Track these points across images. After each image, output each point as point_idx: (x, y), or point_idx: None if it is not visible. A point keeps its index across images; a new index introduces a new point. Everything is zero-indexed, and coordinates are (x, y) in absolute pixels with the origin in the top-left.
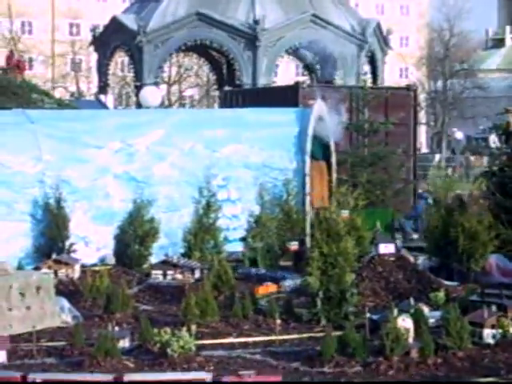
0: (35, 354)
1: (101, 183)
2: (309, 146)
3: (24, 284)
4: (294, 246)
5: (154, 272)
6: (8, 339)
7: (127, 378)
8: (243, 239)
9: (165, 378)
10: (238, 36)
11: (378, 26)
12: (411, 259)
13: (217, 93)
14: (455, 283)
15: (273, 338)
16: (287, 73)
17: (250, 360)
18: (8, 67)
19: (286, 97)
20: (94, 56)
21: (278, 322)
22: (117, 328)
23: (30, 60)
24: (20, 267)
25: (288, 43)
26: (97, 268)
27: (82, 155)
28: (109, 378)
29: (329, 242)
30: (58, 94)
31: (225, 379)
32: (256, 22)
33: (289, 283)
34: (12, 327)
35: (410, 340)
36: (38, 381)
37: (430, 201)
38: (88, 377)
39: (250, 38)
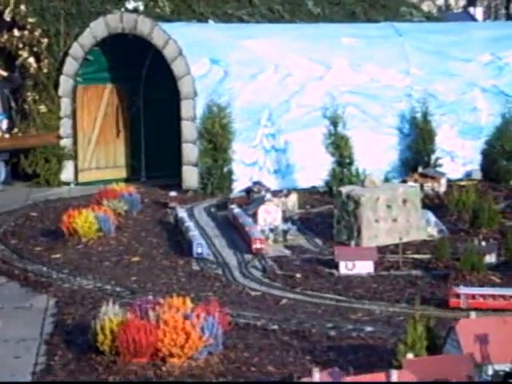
0: (401, 265)
1: (468, 97)
2: None
3: (391, 196)
4: None
5: None
6: (375, 250)
7: None
8: None
9: None
10: None
11: None
12: None
13: None
14: None
15: None
16: None
17: None
18: None
19: None
20: None
21: None
22: (483, 243)
23: None
24: (387, 180)
25: None
26: (463, 183)
27: (450, 69)
28: None
29: None
30: (425, 7)
31: None
32: None
33: None
34: (378, 238)
35: None
36: None
37: None
38: None
39: None
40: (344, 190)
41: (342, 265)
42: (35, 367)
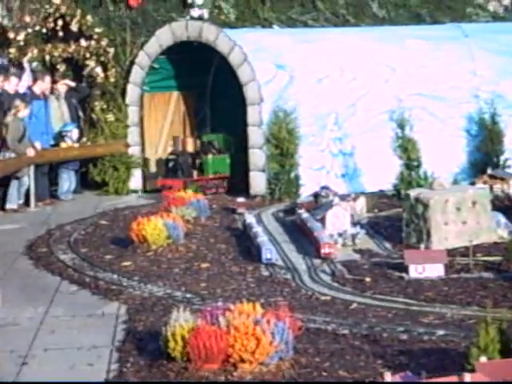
0: (472, 268)
1: None
2: None
3: (460, 199)
4: None
5: None
6: (445, 253)
7: None
8: None
9: None
10: None
11: None
12: None
13: None
14: None
15: None
16: None
17: None
18: None
19: None
20: None
21: None
22: None
23: None
24: (455, 182)
25: None
26: None
27: None
28: None
29: None
30: (491, 7)
31: None
32: None
33: None
34: (448, 241)
35: None
36: None
37: None
38: None
39: None
40: (412, 192)
41: (411, 268)
42: (108, 374)
